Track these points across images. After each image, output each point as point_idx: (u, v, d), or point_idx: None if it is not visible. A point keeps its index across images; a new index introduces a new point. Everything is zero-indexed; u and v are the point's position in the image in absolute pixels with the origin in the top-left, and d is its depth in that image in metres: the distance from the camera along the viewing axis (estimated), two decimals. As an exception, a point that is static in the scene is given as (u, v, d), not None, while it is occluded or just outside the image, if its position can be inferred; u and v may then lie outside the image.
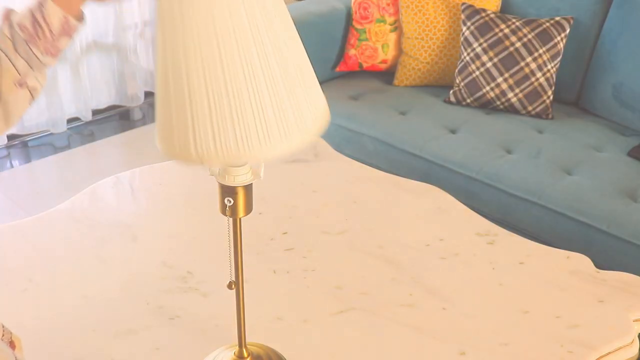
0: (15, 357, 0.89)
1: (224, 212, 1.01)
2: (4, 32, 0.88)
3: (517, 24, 2.42)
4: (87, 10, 0.92)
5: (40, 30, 0.87)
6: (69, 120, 3.36)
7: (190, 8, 0.83)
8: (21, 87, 0.89)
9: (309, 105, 0.90)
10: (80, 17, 0.91)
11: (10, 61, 0.88)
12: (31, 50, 0.88)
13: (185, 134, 0.86)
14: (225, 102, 0.84)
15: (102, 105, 3.46)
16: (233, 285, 1.06)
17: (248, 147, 0.86)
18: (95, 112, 3.45)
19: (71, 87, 3.28)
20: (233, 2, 0.83)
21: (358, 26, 2.64)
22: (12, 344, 0.96)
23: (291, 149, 0.88)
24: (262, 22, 0.84)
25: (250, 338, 1.19)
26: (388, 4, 2.63)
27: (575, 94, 2.54)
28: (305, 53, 0.93)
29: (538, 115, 2.43)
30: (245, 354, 1.14)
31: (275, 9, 0.87)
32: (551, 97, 2.42)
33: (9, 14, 0.89)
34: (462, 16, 2.50)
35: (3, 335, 0.94)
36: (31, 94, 0.91)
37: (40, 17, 0.87)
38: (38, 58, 0.89)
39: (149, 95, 3.61)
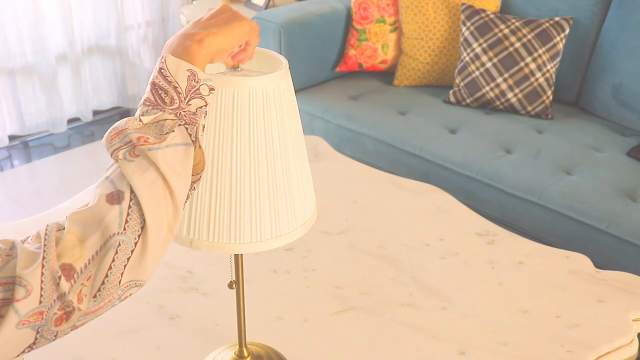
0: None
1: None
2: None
3: (517, 24, 2.42)
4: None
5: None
6: (70, 121, 3.36)
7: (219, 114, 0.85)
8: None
9: (302, 209, 0.93)
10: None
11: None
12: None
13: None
14: (226, 198, 0.87)
15: (104, 106, 3.47)
16: (233, 285, 1.06)
17: (240, 243, 0.89)
18: (95, 113, 3.46)
19: (72, 87, 3.28)
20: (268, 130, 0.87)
21: (358, 26, 2.64)
22: None
23: (279, 246, 0.92)
24: (277, 141, 0.88)
25: (250, 338, 1.19)
26: (388, 4, 2.63)
27: (575, 94, 2.55)
28: (307, 160, 0.96)
29: (538, 116, 2.43)
30: (246, 354, 1.14)
31: (292, 137, 0.91)
32: (551, 97, 2.43)
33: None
34: (462, 16, 2.50)
35: None
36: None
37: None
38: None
39: (149, 95, 3.61)
